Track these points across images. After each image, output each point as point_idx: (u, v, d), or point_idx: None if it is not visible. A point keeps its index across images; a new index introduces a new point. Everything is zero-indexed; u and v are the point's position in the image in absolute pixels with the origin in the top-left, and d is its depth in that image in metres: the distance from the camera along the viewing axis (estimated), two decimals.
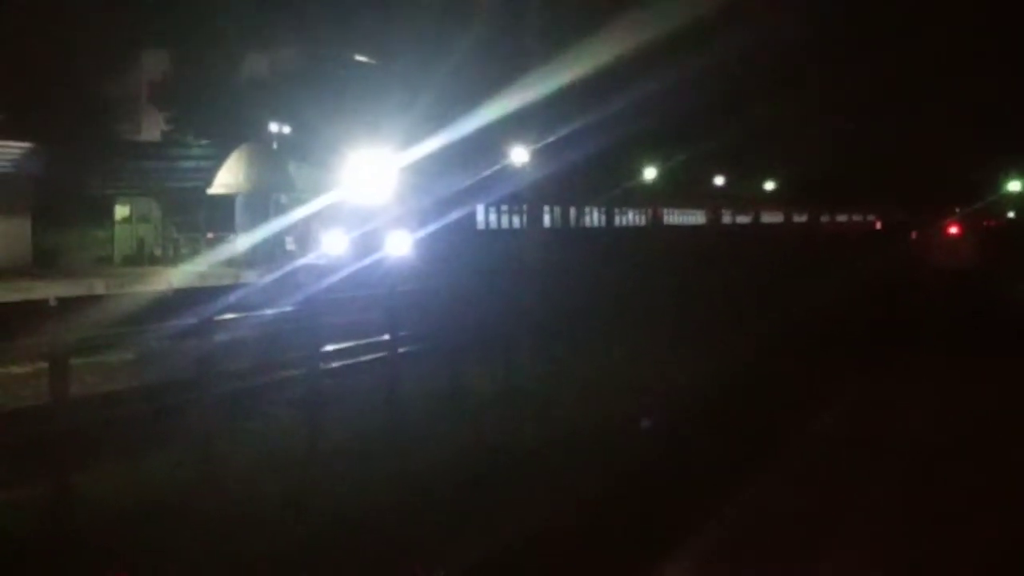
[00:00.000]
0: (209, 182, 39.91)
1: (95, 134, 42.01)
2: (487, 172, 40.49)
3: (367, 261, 33.34)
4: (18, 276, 30.60)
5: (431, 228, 36.65)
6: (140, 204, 41.74)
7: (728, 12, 46.51)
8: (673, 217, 71.34)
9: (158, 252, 40.71)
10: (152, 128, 46.95)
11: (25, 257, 36.43)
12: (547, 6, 32.69)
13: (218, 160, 40.55)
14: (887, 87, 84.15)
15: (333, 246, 36.16)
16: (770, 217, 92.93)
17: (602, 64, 39.47)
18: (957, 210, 67.74)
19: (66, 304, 26.46)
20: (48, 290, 27.81)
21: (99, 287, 29.58)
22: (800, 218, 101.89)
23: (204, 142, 43.36)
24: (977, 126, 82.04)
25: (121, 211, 41.60)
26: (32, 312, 24.88)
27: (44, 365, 10.57)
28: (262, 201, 41.95)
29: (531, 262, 33.97)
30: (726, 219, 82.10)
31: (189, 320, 13.32)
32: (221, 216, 40.96)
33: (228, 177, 40.38)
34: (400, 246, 35.60)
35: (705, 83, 56.52)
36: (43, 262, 36.71)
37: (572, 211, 53.53)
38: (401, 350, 15.88)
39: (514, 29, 34.53)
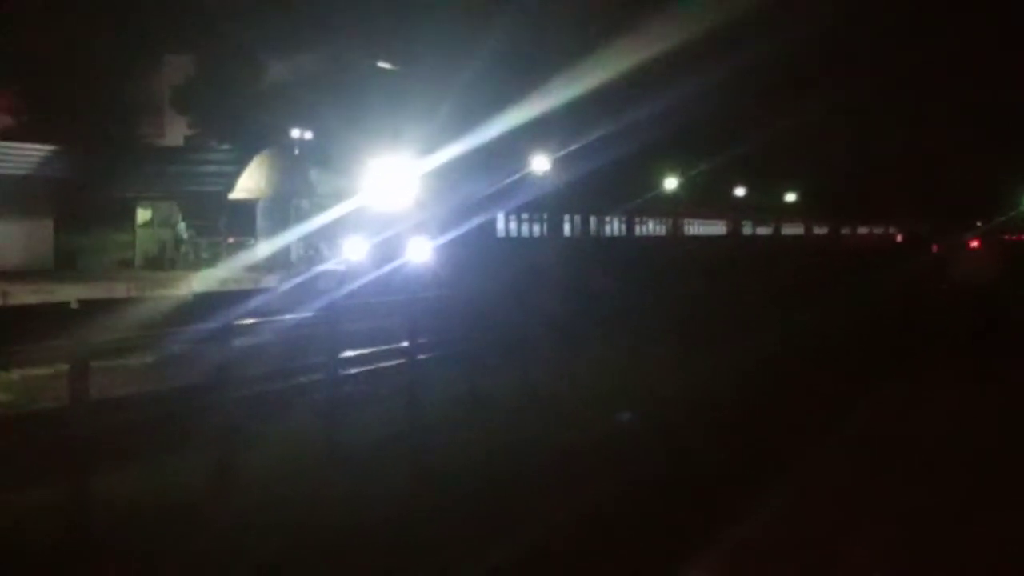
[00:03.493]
0: (231, 187, 39.99)
1: (118, 138, 42.18)
2: (508, 179, 40.43)
3: (388, 267, 33.35)
4: (40, 278, 30.72)
5: (451, 235, 36.57)
6: (162, 208, 41.85)
7: (749, 20, 46.48)
8: (694, 227, 71.12)
9: (179, 256, 40.80)
10: (175, 133, 47.05)
11: (47, 259, 36.63)
12: (570, 14, 32.70)
13: (240, 165, 40.65)
14: (911, 100, 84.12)
15: (354, 252, 36.16)
16: (791, 229, 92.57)
17: (624, 72, 39.45)
18: (978, 224, 67.55)
19: (87, 307, 26.54)
20: (69, 292, 27.89)
21: (120, 290, 29.66)
22: (821, 230, 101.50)
23: (226, 147, 43.44)
24: (1000, 143, 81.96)
25: (143, 215, 41.71)
26: (54, 314, 24.95)
27: (65, 367, 10.56)
28: (283, 206, 42.04)
29: (551, 270, 33.93)
30: (747, 230, 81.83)
31: (209, 324, 13.31)
32: (242, 221, 41.04)
33: (249, 182, 40.50)
34: (420, 253, 35.57)
35: (727, 92, 56.54)
36: (64, 265, 36.90)
37: (592, 220, 53.43)
38: (421, 356, 15.86)
39: (537, 36, 34.55)
